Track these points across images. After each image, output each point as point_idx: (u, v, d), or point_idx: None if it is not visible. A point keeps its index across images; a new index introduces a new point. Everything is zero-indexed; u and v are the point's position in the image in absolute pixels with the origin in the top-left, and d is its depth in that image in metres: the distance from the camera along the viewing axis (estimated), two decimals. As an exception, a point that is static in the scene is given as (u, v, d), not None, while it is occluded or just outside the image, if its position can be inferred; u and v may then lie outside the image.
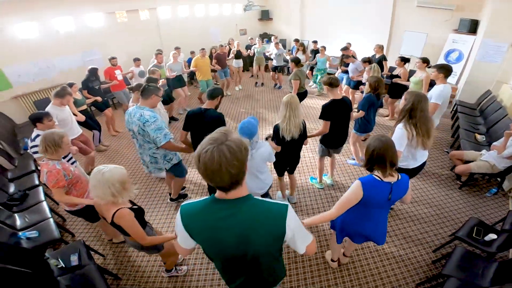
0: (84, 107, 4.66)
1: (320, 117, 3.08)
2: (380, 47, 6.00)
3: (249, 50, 8.25)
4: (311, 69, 7.84)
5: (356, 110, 3.75)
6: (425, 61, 4.49)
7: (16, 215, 3.08)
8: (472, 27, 6.27)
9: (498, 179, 3.55)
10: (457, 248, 2.33)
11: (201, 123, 2.70)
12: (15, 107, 5.65)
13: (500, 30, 5.24)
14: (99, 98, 4.99)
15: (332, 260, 2.64)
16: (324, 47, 7.15)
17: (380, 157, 1.67)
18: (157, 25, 8.00)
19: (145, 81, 4.03)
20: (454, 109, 5.56)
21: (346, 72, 6.27)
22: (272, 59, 7.91)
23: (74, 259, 2.40)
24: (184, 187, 3.86)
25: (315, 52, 7.64)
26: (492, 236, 2.31)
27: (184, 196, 3.72)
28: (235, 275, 1.30)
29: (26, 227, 2.88)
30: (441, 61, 6.93)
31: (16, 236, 2.71)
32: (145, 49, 7.20)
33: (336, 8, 8.85)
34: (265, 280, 1.36)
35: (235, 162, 0.96)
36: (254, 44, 8.02)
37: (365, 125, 3.82)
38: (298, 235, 1.16)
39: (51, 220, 2.91)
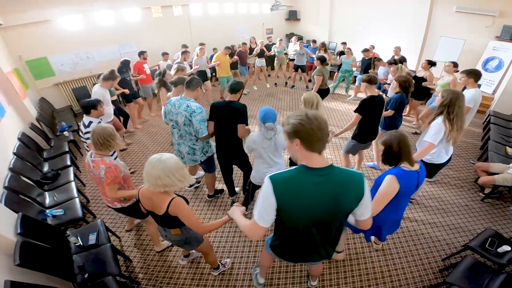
0: (114, 97, 4.82)
1: (356, 110, 3.26)
2: (399, 48, 6.18)
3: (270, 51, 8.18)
4: (338, 69, 7.66)
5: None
6: (455, 65, 4.51)
7: (46, 193, 3.27)
8: (516, 34, 5.85)
9: (526, 194, 3.31)
10: (467, 258, 2.24)
11: (225, 113, 2.74)
12: (56, 93, 6.19)
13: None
14: (126, 91, 5.19)
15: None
16: (349, 49, 7.04)
17: (402, 151, 1.78)
18: (189, 21, 8.32)
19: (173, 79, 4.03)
20: (487, 120, 5.21)
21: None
22: (291, 60, 7.92)
23: (92, 238, 2.52)
24: (200, 181, 3.89)
25: (341, 53, 7.51)
26: (506, 248, 2.19)
27: (221, 192, 3.68)
28: (309, 243, 1.41)
29: (54, 205, 3.06)
30: (479, 69, 6.50)
31: (43, 213, 2.88)
32: (176, 44, 7.52)
33: (367, 11, 8.64)
34: (329, 250, 1.51)
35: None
36: (274, 44, 7.99)
37: (392, 123, 3.78)
38: (367, 201, 1.29)
39: (77, 200, 3.07)
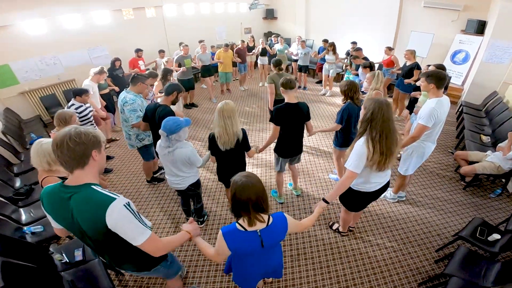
0: (106, 91, 5.34)
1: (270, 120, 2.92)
2: (412, 53, 5.18)
3: (273, 48, 8.00)
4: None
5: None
6: (439, 68, 3.77)
7: (21, 209, 3.09)
8: (480, 27, 6.23)
9: (503, 180, 3.52)
10: (460, 248, 2.33)
11: (154, 117, 2.96)
12: (22, 102, 5.72)
13: (508, 30, 5.19)
14: (117, 88, 5.67)
15: None
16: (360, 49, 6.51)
17: (242, 203, 1.41)
18: (163, 22, 8.05)
19: (162, 72, 4.53)
20: (460, 110, 5.52)
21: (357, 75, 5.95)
22: (295, 61, 7.83)
23: (78, 254, 2.39)
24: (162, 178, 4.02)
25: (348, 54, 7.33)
26: (496, 236, 2.31)
27: (161, 180, 3.98)
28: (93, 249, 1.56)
29: (31, 221, 2.89)
30: (447, 61, 6.90)
31: (21, 230, 2.72)
32: (151, 46, 7.25)
33: (341, 7, 8.86)
34: (108, 260, 1.58)
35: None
36: (276, 43, 7.90)
37: (344, 139, 3.28)
38: (123, 232, 1.28)
39: None
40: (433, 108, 2.52)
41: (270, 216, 1.52)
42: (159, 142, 2.43)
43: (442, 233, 2.97)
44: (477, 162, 3.48)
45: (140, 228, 1.26)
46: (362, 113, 2.01)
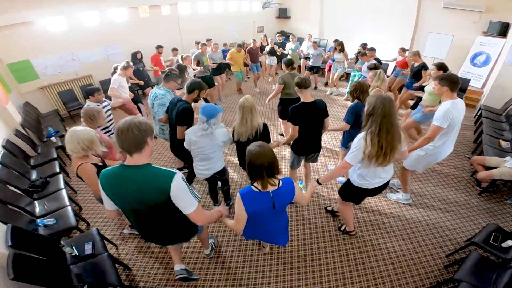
0: (128, 85, 5.27)
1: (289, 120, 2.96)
2: (416, 54, 5.21)
3: (280, 48, 8.05)
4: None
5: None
6: (441, 67, 3.68)
7: (36, 202, 3.14)
8: (502, 29, 5.99)
9: (522, 187, 3.36)
10: (472, 253, 2.24)
11: (174, 111, 2.90)
12: (41, 97, 5.94)
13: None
14: (141, 82, 5.86)
15: (264, 247, 2.80)
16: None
17: (256, 168, 1.65)
18: (178, 20, 8.16)
19: (177, 68, 4.46)
20: (478, 113, 5.31)
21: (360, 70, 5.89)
22: (306, 58, 7.76)
23: (88, 248, 2.43)
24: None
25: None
26: (510, 242, 2.20)
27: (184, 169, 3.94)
28: (144, 226, 1.80)
29: (45, 214, 2.94)
30: (467, 64, 6.66)
31: (34, 223, 2.77)
32: (166, 43, 7.34)
33: (357, 7, 8.68)
34: (167, 238, 1.94)
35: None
36: (285, 41, 7.91)
37: (351, 139, 3.29)
38: (181, 198, 1.55)
39: (69, 208, 2.96)
40: (447, 109, 2.49)
41: (280, 180, 1.75)
42: (194, 128, 2.54)
43: (454, 238, 2.87)
44: (494, 167, 3.33)
45: (192, 200, 1.55)
46: (365, 109, 2.06)
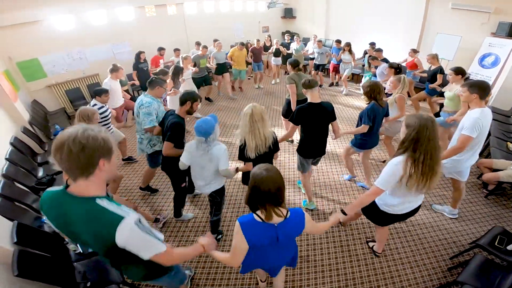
0: (126, 87, 5.57)
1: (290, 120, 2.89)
2: (434, 57, 5.08)
3: (284, 48, 8.09)
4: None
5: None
6: (459, 72, 3.62)
7: None
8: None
9: (530, 190, 3.31)
10: (477, 256, 2.22)
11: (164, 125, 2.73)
12: (48, 95, 6.03)
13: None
14: (137, 82, 6.07)
15: (261, 281, 2.38)
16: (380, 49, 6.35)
17: (260, 195, 1.40)
18: (183, 20, 8.21)
19: (173, 69, 4.45)
20: (486, 115, 5.22)
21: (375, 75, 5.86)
22: (311, 59, 7.85)
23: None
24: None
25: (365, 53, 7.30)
26: (516, 246, 2.16)
27: (155, 191, 3.72)
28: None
29: None
30: (475, 65, 6.56)
31: (39, 220, 2.78)
32: (171, 43, 7.41)
33: (363, 7, 8.64)
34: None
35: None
36: (292, 42, 7.93)
37: (364, 140, 3.21)
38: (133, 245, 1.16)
39: None
40: (477, 118, 2.36)
41: (288, 211, 1.50)
42: (191, 147, 2.34)
43: (459, 241, 2.84)
44: (502, 170, 3.28)
45: (152, 243, 1.17)
46: (403, 131, 1.81)
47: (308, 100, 2.76)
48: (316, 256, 2.74)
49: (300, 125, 2.83)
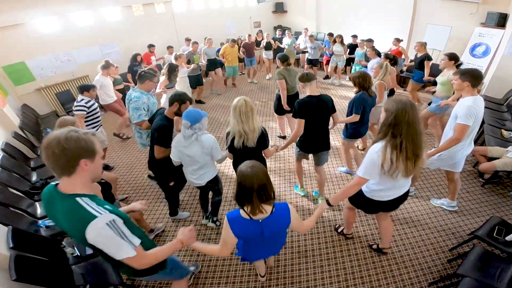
0: (121, 86, 5.49)
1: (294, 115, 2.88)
2: (422, 45, 5.26)
3: (276, 42, 8.13)
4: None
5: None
6: (452, 57, 3.65)
7: (37, 203, 3.12)
8: (501, 20, 5.91)
9: (525, 177, 3.34)
10: (476, 248, 2.22)
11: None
12: (39, 99, 5.92)
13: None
14: (132, 85, 5.87)
15: (260, 275, 2.45)
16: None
17: (245, 191, 1.45)
18: (173, 18, 8.08)
19: (168, 67, 4.31)
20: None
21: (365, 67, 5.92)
22: (303, 52, 7.87)
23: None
24: None
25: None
26: (515, 236, 2.18)
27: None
28: None
29: (46, 215, 2.89)
30: (467, 55, 6.59)
31: (36, 224, 2.76)
32: (161, 41, 7.30)
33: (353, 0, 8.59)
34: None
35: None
36: (284, 36, 7.92)
37: (354, 130, 3.26)
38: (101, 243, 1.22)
39: None
40: (470, 106, 2.33)
41: (274, 206, 1.56)
42: (178, 140, 2.37)
43: (457, 232, 2.85)
44: (496, 158, 3.31)
45: (121, 246, 1.19)
46: (382, 116, 1.78)
47: (307, 93, 2.74)
48: (314, 250, 2.74)
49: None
